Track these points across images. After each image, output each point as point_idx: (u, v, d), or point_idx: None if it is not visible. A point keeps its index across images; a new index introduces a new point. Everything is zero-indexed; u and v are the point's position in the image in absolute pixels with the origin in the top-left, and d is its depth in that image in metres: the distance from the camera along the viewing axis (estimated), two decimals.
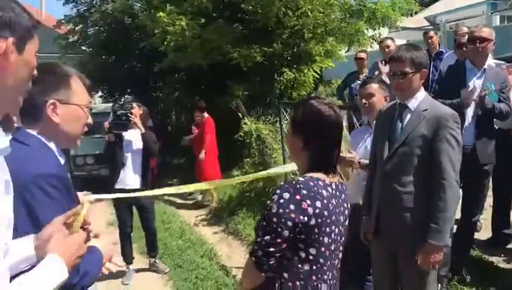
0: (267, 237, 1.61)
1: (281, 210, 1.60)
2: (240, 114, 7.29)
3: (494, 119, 3.76)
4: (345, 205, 1.82)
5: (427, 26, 16.75)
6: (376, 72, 5.81)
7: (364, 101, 3.20)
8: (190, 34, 7.96)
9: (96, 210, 4.85)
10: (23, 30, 1.10)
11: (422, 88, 2.65)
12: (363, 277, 3.38)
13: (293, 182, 1.67)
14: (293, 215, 1.60)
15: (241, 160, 7.39)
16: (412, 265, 2.51)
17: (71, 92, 1.60)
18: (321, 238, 1.66)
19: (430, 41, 5.97)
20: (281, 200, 1.62)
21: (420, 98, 2.60)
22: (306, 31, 8.42)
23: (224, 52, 8.12)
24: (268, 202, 1.67)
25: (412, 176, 2.53)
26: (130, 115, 4.56)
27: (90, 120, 1.69)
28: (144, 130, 4.61)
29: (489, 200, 4.19)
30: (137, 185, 4.66)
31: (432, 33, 6.21)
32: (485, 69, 3.68)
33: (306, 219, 1.61)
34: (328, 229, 1.67)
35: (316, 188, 1.65)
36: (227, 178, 7.90)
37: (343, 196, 1.81)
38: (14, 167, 1.17)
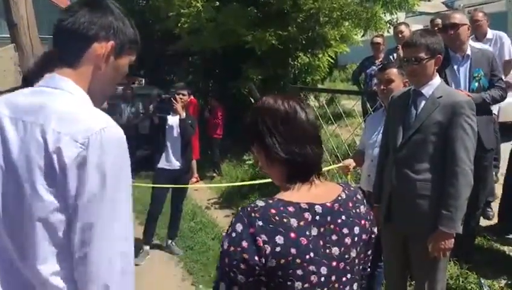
0: (222, 284, 1.20)
1: (232, 248, 1.19)
2: (251, 98, 7.27)
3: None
4: (346, 230, 1.29)
5: (445, 11, 16.40)
6: (391, 57, 5.73)
7: (382, 86, 3.15)
8: (205, 17, 7.92)
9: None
10: (126, 40, 1.26)
11: (438, 75, 2.61)
12: (373, 263, 3.38)
13: (249, 209, 1.22)
14: (246, 255, 1.17)
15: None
16: (423, 252, 2.51)
17: None
18: (289, 283, 1.20)
19: (436, 29, 5.89)
20: (233, 234, 1.20)
21: (435, 85, 2.56)
22: (321, 14, 8.30)
23: (238, 36, 8.07)
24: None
25: (425, 163, 2.51)
26: (172, 100, 4.92)
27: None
28: (183, 116, 4.92)
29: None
30: (178, 166, 5.02)
31: (437, 20, 6.13)
32: (468, 55, 3.54)
33: (263, 260, 1.17)
34: (300, 272, 1.20)
35: (277, 217, 1.20)
36: (238, 162, 7.94)
37: (343, 217, 1.29)
38: None
